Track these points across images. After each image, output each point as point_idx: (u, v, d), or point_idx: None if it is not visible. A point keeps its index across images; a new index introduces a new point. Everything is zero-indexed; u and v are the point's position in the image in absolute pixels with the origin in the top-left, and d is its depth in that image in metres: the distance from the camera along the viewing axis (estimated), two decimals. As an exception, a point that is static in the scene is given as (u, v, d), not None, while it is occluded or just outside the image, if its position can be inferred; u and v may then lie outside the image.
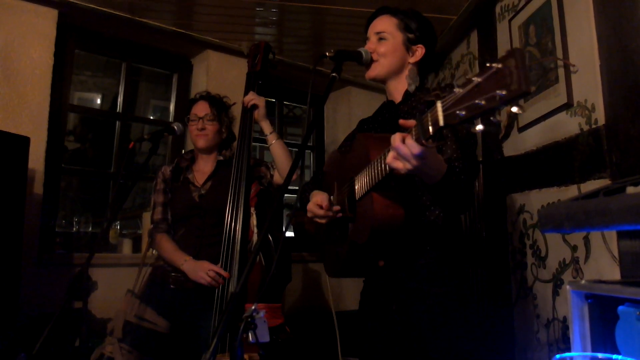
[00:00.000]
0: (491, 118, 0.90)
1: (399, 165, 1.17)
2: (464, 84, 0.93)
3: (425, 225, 1.56)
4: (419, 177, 1.35)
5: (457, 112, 0.93)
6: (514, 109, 0.86)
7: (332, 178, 1.73)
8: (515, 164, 2.59)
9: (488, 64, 0.87)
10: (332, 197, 1.66)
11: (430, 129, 1.03)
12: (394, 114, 1.68)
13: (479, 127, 0.91)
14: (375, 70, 1.68)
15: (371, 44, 1.69)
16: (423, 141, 1.07)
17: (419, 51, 1.69)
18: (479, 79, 0.89)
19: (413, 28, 1.69)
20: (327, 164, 1.90)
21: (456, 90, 0.95)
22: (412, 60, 1.70)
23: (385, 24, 1.70)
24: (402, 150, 1.13)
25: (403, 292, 1.56)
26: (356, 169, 1.48)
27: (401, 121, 1.17)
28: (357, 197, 1.47)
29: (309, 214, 1.63)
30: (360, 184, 1.44)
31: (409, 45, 1.69)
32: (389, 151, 1.23)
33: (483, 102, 0.88)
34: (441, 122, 0.99)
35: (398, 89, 1.72)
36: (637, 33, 1.81)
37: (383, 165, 1.28)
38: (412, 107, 1.63)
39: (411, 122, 1.14)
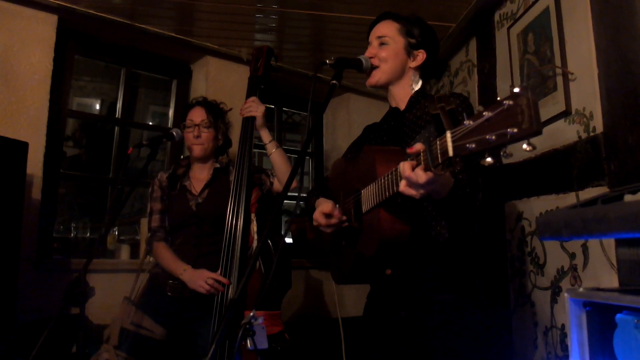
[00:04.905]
0: (501, 153, 0.89)
1: (412, 192, 1.19)
2: (475, 116, 0.93)
3: (431, 239, 1.56)
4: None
5: (467, 145, 0.94)
6: (525, 147, 0.86)
7: (337, 186, 1.73)
8: (513, 171, 2.59)
9: (499, 99, 0.87)
10: (337, 206, 1.65)
11: (440, 157, 1.04)
12: (400, 122, 1.69)
13: (489, 159, 0.91)
14: (376, 77, 1.68)
15: (372, 49, 1.70)
16: (432, 168, 1.07)
17: (420, 56, 1.70)
18: (490, 114, 0.89)
19: (415, 34, 1.70)
20: (332, 171, 1.90)
21: (466, 122, 0.95)
22: (413, 64, 1.70)
23: (387, 29, 1.70)
24: (413, 179, 1.15)
25: (414, 298, 1.56)
26: (362, 181, 1.49)
27: (408, 150, 1.18)
28: (363, 210, 1.48)
29: (314, 223, 1.63)
30: (367, 199, 1.44)
31: (410, 50, 1.69)
32: (397, 171, 1.24)
33: (493, 138, 0.88)
34: (450, 153, 1.00)
35: (400, 94, 1.72)
36: (635, 41, 1.82)
37: (391, 185, 1.29)
38: (418, 116, 1.64)
39: (418, 147, 1.14)
